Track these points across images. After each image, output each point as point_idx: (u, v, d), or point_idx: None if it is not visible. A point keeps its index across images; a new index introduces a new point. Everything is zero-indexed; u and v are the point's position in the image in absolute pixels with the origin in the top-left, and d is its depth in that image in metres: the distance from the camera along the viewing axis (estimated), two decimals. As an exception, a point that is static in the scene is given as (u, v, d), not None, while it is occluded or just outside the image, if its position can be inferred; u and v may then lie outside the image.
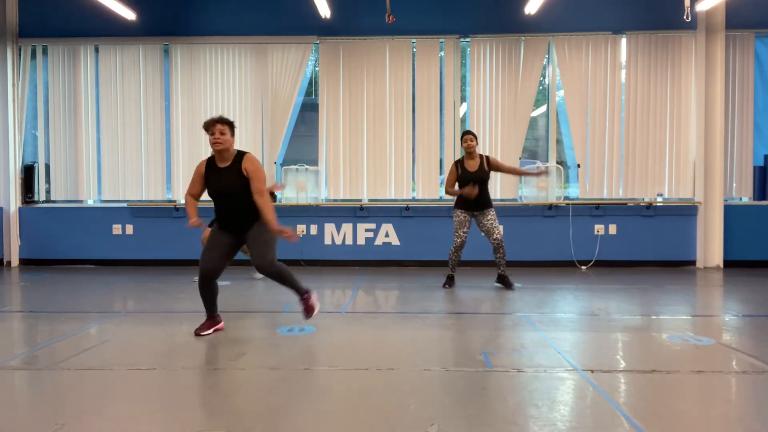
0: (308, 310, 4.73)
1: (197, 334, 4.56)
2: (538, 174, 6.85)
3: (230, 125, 4.46)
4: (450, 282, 6.81)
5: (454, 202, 6.70)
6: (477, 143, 6.49)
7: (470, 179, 6.39)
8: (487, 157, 6.51)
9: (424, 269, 8.38)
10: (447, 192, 6.62)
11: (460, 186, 6.49)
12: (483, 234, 6.58)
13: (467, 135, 6.47)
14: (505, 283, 6.64)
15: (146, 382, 3.54)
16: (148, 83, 8.79)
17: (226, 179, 4.45)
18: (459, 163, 6.53)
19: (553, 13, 8.28)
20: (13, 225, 8.81)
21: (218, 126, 4.39)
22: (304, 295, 4.74)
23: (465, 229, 6.53)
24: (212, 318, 4.69)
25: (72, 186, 8.84)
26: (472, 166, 6.45)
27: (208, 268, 4.53)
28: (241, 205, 4.49)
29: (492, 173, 6.61)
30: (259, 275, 7.24)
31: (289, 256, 8.29)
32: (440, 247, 8.57)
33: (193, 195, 4.64)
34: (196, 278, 7.08)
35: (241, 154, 4.51)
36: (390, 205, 8.65)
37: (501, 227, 6.54)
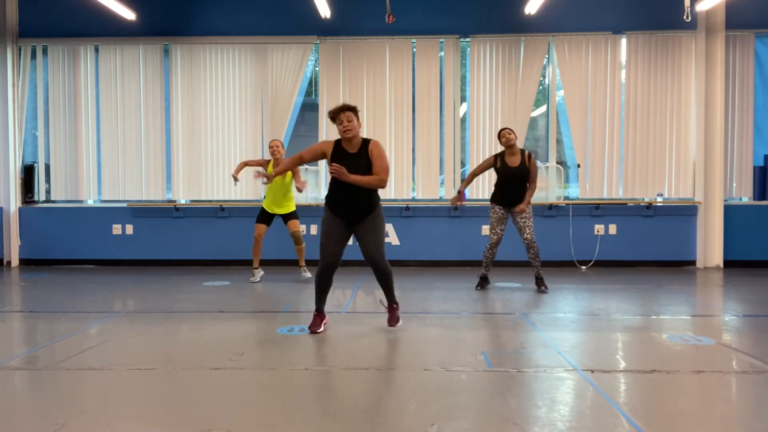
0: (395, 320, 4.79)
1: (313, 331, 4.59)
2: (519, 209, 6.29)
3: (355, 112, 4.45)
4: (483, 283, 6.64)
5: (490, 198, 6.47)
6: (516, 137, 6.33)
7: (511, 174, 6.25)
8: (530, 155, 6.32)
9: (424, 269, 8.38)
10: (470, 176, 6.51)
11: (499, 179, 6.34)
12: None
13: (505, 129, 6.29)
14: (537, 283, 6.49)
15: (146, 382, 3.54)
16: (148, 83, 8.79)
17: (355, 166, 4.41)
18: (499, 157, 6.36)
19: (553, 13, 8.27)
20: (13, 225, 8.81)
21: (345, 114, 4.39)
22: (395, 304, 4.82)
23: (502, 226, 6.38)
24: (321, 313, 4.72)
25: (72, 186, 8.84)
26: (514, 161, 6.27)
27: (332, 261, 4.54)
28: (364, 193, 4.47)
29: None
30: (258, 278, 7.22)
31: (289, 255, 8.29)
32: (440, 247, 8.58)
33: (301, 158, 4.64)
34: (252, 279, 7.17)
35: (367, 141, 4.51)
36: (390, 205, 8.64)
37: (533, 226, 6.33)
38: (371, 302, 6.23)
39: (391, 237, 8.65)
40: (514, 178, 6.27)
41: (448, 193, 8.66)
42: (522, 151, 6.33)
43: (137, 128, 8.78)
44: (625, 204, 8.55)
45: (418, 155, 8.65)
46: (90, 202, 8.98)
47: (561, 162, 8.79)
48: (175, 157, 8.73)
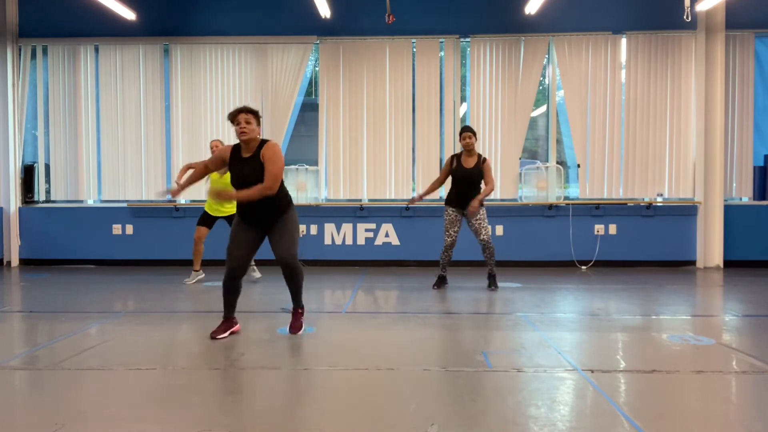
0: (296, 328, 4.63)
1: (213, 337, 4.45)
2: (472, 207, 6.24)
3: (255, 114, 4.35)
4: (440, 283, 6.70)
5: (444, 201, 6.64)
6: (476, 140, 6.41)
7: (463, 175, 6.35)
8: (485, 159, 6.38)
9: (424, 269, 8.37)
10: (435, 182, 6.69)
11: (453, 180, 6.46)
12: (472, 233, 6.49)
13: (466, 132, 6.35)
14: (489, 280, 6.58)
15: (146, 382, 3.54)
16: (148, 83, 8.79)
17: (249, 169, 4.29)
18: (456, 157, 6.47)
19: (553, 13, 8.27)
20: (13, 225, 8.81)
21: (243, 115, 4.27)
22: (300, 309, 4.69)
23: (456, 229, 6.47)
24: (229, 320, 4.58)
25: (72, 186, 8.84)
26: (469, 163, 6.37)
27: (236, 265, 4.42)
28: (270, 199, 4.33)
29: (496, 167, 6.47)
30: (194, 281, 7.18)
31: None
32: (440, 248, 8.56)
33: (206, 167, 4.50)
34: (187, 280, 7.13)
35: (263, 143, 4.36)
36: (390, 205, 8.65)
37: (489, 228, 6.43)
38: (371, 302, 6.23)
39: (391, 237, 8.66)
40: (466, 179, 6.34)
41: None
42: (479, 155, 6.40)
43: (137, 128, 8.78)
44: (625, 204, 8.55)
45: (418, 155, 8.65)
46: (90, 202, 8.98)
47: (561, 162, 8.79)
48: (175, 157, 8.73)
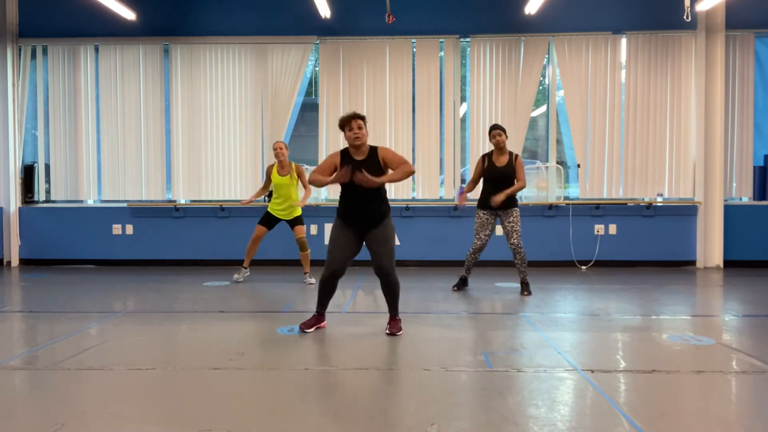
0: (397, 329, 4.64)
1: (302, 329, 4.62)
2: (497, 199, 6.10)
3: (365, 120, 4.48)
4: (461, 284, 6.58)
5: (476, 203, 6.42)
6: (506, 138, 6.22)
7: (497, 174, 6.17)
8: (517, 156, 6.24)
9: (424, 269, 8.38)
10: (470, 184, 6.47)
11: (486, 179, 6.24)
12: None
13: (496, 130, 6.16)
14: (522, 286, 6.36)
15: (146, 382, 3.54)
16: (148, 83, 8.79)
17: (368, 171, 4.39)
18: (487, 157, 6.29)
19: (553, 13, 8.27)
20: (13, 225, 8.81)
21: (357, 121, 4.41)
22: (398, 317, 4.73)
23: (487, 232, 6.26)
24: (320, 315, 4.73)
25: (72, 186, 8.84)
26: (501, 161, 6.18)
27: (338, 267, 4.55)
28: (373, 200, 4.48)
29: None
30: (242, 277, 7.16)
31: (290, 256, 8.30)
32: (440, 247, 8.58)
33: (324, 176, 4.56)
34: (237, 275, 7.12)
35: (374, 148, 4.52)
36: (390, 205, 8.62)
37: (520, 231, 6.21)
38: (371, 302, 6.23)
39: (391, 237, 8.64)
40: (500, 178, 6.16)
41: (448, 193, 8.67)
42: (510, 153, 6.25)
43: (137, 128, 8.78)
44: (625, 204, 8.54)
45: (418, 155, 8.65)
46: (90, 202, 8.98)
47: (561, 162, 8.79)
48: (175, 157, 8.73)
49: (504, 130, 6.21)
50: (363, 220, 4.52)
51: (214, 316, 5.35)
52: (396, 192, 8.63)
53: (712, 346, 4.25)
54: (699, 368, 3.74)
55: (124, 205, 8.80)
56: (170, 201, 8.79)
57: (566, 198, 8.81)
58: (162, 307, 5.84)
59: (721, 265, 8.41)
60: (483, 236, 6.28)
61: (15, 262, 8.85)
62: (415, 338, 4.54)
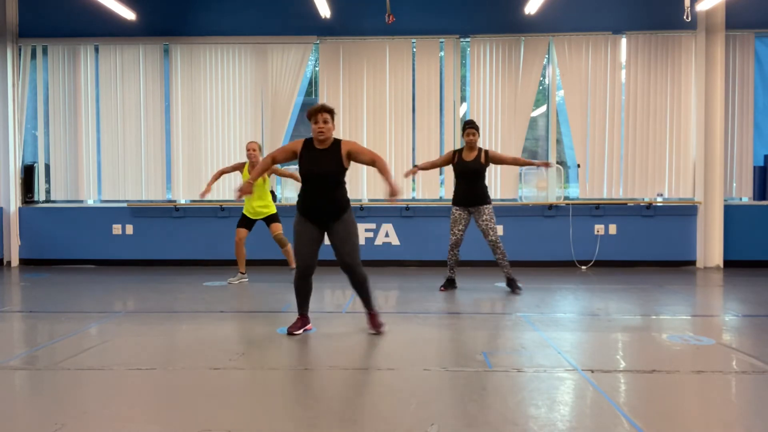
0: (378, 325, 4.63)
1: (290, 333, 4.54)
2: (544, 165, 6.62)
3: (333, 114, 4.44)
4: (448, 285, 6.58)
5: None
6: (478, 137, 6.35)
7: (465, 168, 6.27)
8: (486, 151, 6.33)
9: (424, 269, 8.38)
10: (432, 162, 6.72)
11: (455, 176, 6.42)
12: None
13: (470, 128, 6.28)
14: (510, 285, 6.43)
15: (146, 382, 3.54)
16: (148, 83, 8.79)
17: (323, 159, 4.40)
18: (458, 152, 6.41)
19: (553, 13, 8.27)
20: (13, 225, 8.81)
21: (323, 115, 4.37)
22: (372, 312, 4.69)
23: (460, 227, 6.37)
24: (304, 317, 4.66)
25: (72, 186, 8.84)
26: (470, 156, 6.29)
27: (308, 265, 4.50)
28: (333, 190, 4.44)
29: (495, 167, 6.42)
30: (237, 281, 7.13)
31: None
32: (440, 247, 8.56)
33: (273, 159, 4.59)
34: (231, 279, 7.10)
35: (338, 141, 4.48)
36: (390, 205, 8.64)
37: (497, 227, 6.34)
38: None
39: (391, 237, 8.66)
40: (468, 173, 6.26)
41: (448, 193, 8.66)
42: (480, 149, 6.34)
43: (137, 128, 8.78)
44: (625, 204, 8.55)
45: (418, 155, 8.64)
46: (90, 202, 8.98)
47: (561, 162, 8.79)
48: (175, 157, 8.73)
49: (477, 129, 6.36)
50: (322, 213, 4.47)
51: (214, 316, 5.35)
52: (396, 192, 8.61)
53: (712, 346, 4.25)
54: (699, 368, 3.74)
55: (124, 205, 8.80)
56: (170, 201, 8.79)
57: (566, 198, 8.81)
58: (162, 307, 5.84)
59: (721, 265, 8.41)
60: (457, 231, 6.38)
61: (15, 262, 8.85)
62: (415, 338, 4.54)
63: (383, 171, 4.43)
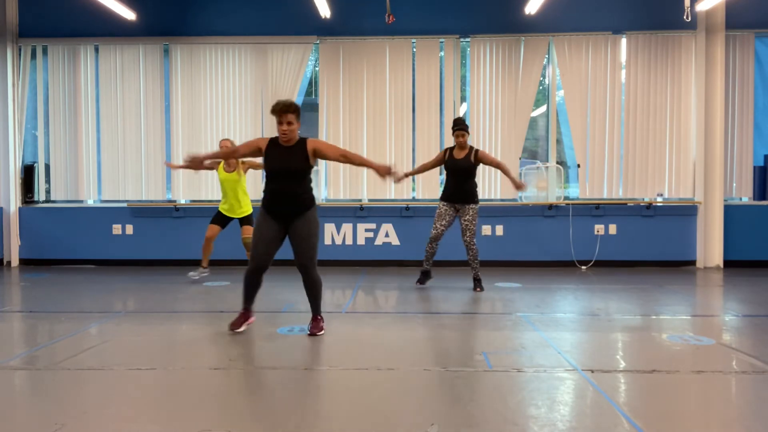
0: (318, 329, 4.60)
1: (233, 330, 4.56)
2: (517, 186, 6.49)
3: (298, 113, 4.42)
4: (423, 278, 6.70)
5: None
6: (468, 136, 6.43)
7: (455, 166, 6.36)
8: (477, 150, 6.42)
9: (424, 269, 8.36)
10: (423, 165, 6.81)
11: (446, 173, 6.50)
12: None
13: (460, 130, 6.34)
14: (474, 283, 6.55)
15: (146, 382, 3.54)
16: (148, 83, 8.79)
17: (288, 157, 4.41)
18: (449, 150, 6.51)
19: (553, 13, 8.27)
20: (13, 225, 8.81)
21: (287, 116, 4.34)
22: (319, 316, 4.67)
23: (443, 222, 6.43)
24: (247, 312, 4.69)
25: (72, 186, 8.83)
26: (460, 155, 6.38)
27: (263, 261, 4.52)
28: (296, 188, 4.45)
29: (487, 169, 6.48)
30: (198, 276, 7.21)
31: (289, 256, 8.28)
32: (440, 247, 8.54)
33: (235, 151, 4.64)
34: (192, 273, 7.15)
35: (303, 139, 4.49)
36: (390, 205, 8.65)
37: (475, 230, 6.40)
38: (371, 302, 6.24)
39: (391, 237, 8.66)
40: (458, 171, 6.36)
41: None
42: (470, 147, 6.42)
43: (137, 128, 8.78)
44: (625, 204, 8.54)
45: (418, 155, 8.64)
46: (90, 202, 8.98)
47: (561, 162, 8.79)
48: (175, 157, 8.72)
49: (467, 129, 6.42)
50: (286, 210, 4.47)
51: (214, 316, 5.34)
52: (396, 192, 8.63)
53: (712, 346, 4.25)
54: (699, 368, 3.74)
55: (124, 205, 8.80)
56: (170, 201, 8.79)
57: (566, 198, 8.81)
58: (162, 307, 5.84)
59: (721, 265, 8.41)
60: (439, 226, 6.45)
61: (15, 262, 8.85)
62: (416, 338, 4.54)
63: (362, 162, 4.52)
